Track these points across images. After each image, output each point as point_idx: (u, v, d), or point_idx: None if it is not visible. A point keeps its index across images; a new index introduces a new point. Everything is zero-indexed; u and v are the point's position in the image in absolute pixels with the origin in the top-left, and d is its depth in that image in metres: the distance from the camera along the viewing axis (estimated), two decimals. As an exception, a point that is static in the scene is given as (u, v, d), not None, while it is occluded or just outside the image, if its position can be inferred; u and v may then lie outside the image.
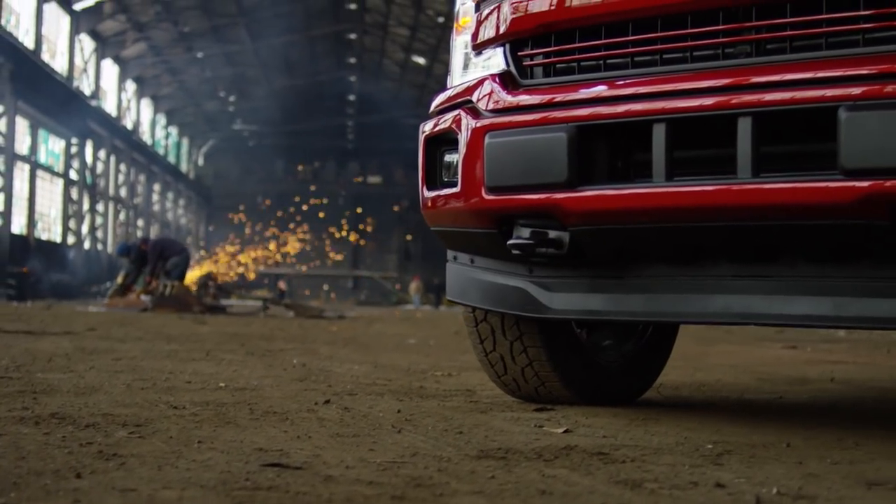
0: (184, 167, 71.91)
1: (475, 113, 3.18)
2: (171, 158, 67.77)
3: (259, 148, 73.91)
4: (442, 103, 3.45)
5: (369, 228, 74.09)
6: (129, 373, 4.86)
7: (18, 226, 40.89)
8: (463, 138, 3.17)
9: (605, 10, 2.94)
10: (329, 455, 2.52)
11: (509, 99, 3.10)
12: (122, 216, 55.97)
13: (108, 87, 52.57)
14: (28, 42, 40.13)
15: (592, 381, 3.88)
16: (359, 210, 74.35)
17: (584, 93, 2.96)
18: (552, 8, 3.05)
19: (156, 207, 64.07)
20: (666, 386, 4.96)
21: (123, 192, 56.11)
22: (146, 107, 60.19)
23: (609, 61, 2.98)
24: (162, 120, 64.33)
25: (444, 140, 3.30)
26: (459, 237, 3.40)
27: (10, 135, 37.66)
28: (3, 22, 37.50)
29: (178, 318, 15.48)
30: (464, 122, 3.19)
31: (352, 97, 69.87)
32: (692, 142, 2.83)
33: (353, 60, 63.22)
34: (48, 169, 45.17)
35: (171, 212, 68.04)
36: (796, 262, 2.77)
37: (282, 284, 60.59)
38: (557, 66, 3.09)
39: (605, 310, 3.13)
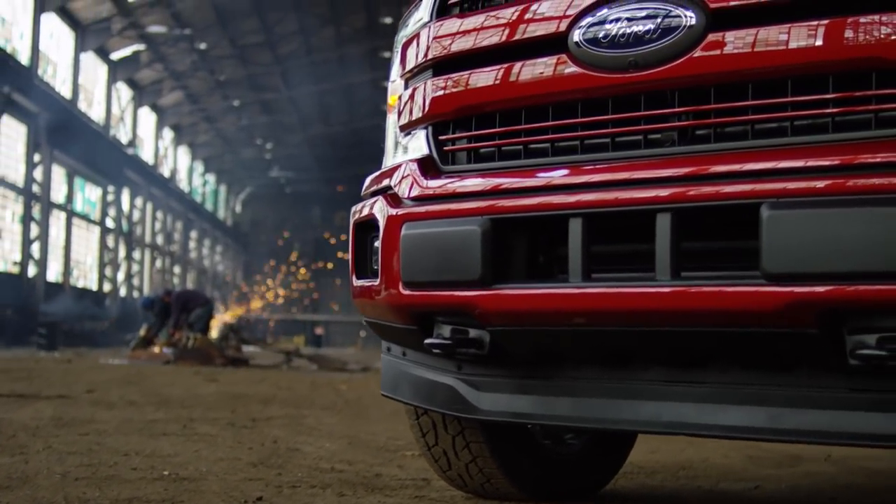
0: (221, 214, 72.32)
1: (395, 200, 2.98)
2: (209, 206, 68.19)
3: (296, 195, 74.18)
4: (369, 186, 3.25)
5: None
6: (82, 455, 4.66)
7: (55, 273, 41.09)
8: (381, 228, 2.96)
9: (524, 94, 2.73)
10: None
11: (426, 186, 2.89)
12: (158, 263, 56.21)
13: (146, 135, 53.02)
14: (65, 92, 40.51)
15: (545, 475, 3.64)
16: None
17: (500, 183, 2.75)
18: (471, 90, 2.84)
19: (192, 254, 64.34)
20: (644, 468, 4.70)
21: (160, 240, 56.43)
22: (183, 154, 60.66)
23: (529, 148, 2.76)
24: (199, 167, 64.80)
25: (370, 227, 3.09)
26: (387, 330, 3.19)
27: (45, 183, 38.01)
28: (41, 72, 37.84)
29: (194, 373, 15.34)
30: (383, 210, 2.98)
31: (389, 144, 69.92)
32: (612, 236, 2.61)
33: (389, 107, 63.31)
34: (84, 217, 45.53)
35: (208, 259, 68.33)
36: (728, 368, 2.53)
37: (319, 330, 60.62)
38: (477, 152, 2.88)
39: (533, 413, 2.90)
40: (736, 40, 2.39)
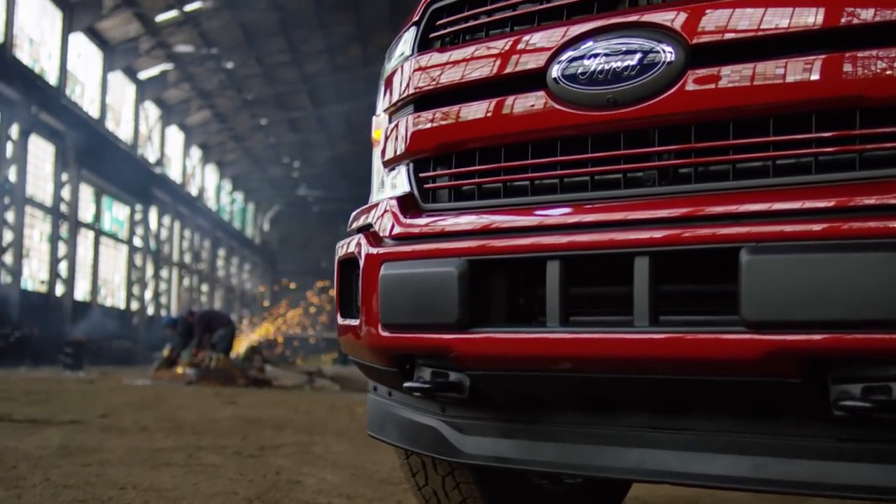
0: (249, 232, 72.52)
1: (375, 239, 2.91)
2: (237, 224, 68.40)
3: (324, 213, 74.31)
4: (353, 222, 3.18)
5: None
6: (78, 489, 4.61)
7: (82, 292, 41.28)
8: (362, 267, 2.89)
9: (502, 132, 2.65)
10: None
11: (406, 225, 2.82)
12: (186, 282, 56.38)
13: (173, 153, 53.25)
14: (93, 111, 40.74)
15: (539, 516, 3.55)
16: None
17: (477, 223, 2.67)
18: (451, 126, 2.77)
19: (220, 273, 64.53)
20: (647, 503, 4.61)
21: (187, 258, 56.60)
22: (211, 173, 60.91)
23: (509, 187, 2.68)
24: (227, 186, 65.04)
25: (353, 265, 3.02)
26: (370, 370, 3.11)
27: (73, 202, 38.20)
28: (69, 92, 38.09)
29: (215, 394, 15.30)
30: (363, 248, 2.91)
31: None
32: (591, 278, 2.54)
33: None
34: (112, 236, 45.72)
35: (236, 277, 68.52)
36: (713, 415, 2.44)
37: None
38: (457, 190, 2.80)
39: (516, 457, 2.81)
40: (716, 77, 2.31)
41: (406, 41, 3.01)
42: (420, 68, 2.87)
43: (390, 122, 3.04)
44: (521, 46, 2.63)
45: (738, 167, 2.32)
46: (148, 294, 49.61)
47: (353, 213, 3.23)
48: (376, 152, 3.19)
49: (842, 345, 2.08)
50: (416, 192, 2.88)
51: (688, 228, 2.28)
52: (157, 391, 15.71)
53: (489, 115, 2.68)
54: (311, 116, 57.13)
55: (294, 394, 17.24)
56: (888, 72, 2.13)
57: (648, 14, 2.41)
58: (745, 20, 2.28)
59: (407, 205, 2.87)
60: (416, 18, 2.98)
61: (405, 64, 2.95)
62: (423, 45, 2.93)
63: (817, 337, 2.09)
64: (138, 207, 47.81)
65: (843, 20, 2.18)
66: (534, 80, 2.58)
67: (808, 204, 2.17)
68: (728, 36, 2.30)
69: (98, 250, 43.78)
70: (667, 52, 2.35)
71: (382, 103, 3.14)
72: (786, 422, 2.33)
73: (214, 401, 13.36)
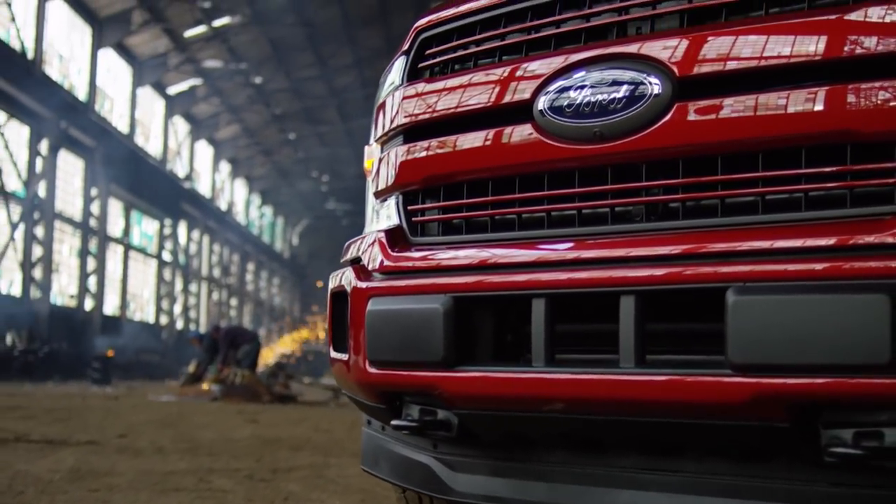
0: (278, 246, 72.74)
1: (364, 273, 2.85)
2: (266, 238, 68.63)
3: (353, 227, 74.39)
4: (344, 254, 3.13)
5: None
6: (80, 517, 4.57)
7: (111, 307, 41.47)
8: (350, 301, 2.83)
9: (490, 165, 2.59)
10: None
11: (394, 259, 2.76)
12: (215, 296, 56.57)
13: (203, 168, 53.48)
14: (122, 126, 40.96)
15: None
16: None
17: (463, 259, 2.61)
18: (438, 159, 2.71)
19: (249, 287, 64.71)
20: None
21: (217, 273, 56.79)
22: (240, 187, 61.15)
23: (496, 221, 2.62)
24: (256, 200, 65.29)
25: (343, 298, 2.97)
26: (362, 405, 3.06)
27: (102, 217, 38.38)
28: (98, 107, 38.32)
29: (237, 412, 15.28)
30: (351, 282, 2.85)
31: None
32: (578, 315, 2.47)
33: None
34: (141, 250, 45.93)
35: (265, 291, 68.69)
36: (703, 458, 2.37)
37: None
38: (444, 224, 2.75)
39: (508, 496, 2.74)
40: (704, 111, 2.24)
41: (396, 70, 2.96)
42: (409, 99, 2.82)
43: (381, 152, 2.99)
44: (507, 78, 2.57)
45: (726, 203, 2.25)
46: (177, 308, 49.80)
47: (346, 244, 3.17)
48: (369, 182, 3.14)
49: (831, 389, 2.01)
50: (404, 225, 2.83)
51: (673, 267, 2.22)
52: (180, 408, 15.71)
53: (476, 147, 2.62)
54: (340, 130, 57.25)
55: (317, 411, 17.19)
56: (879, 106, 2.06)
57: (635, 45, 2.35)
58: (733, 52, 2.22)
59: (396, 238, 2.81)
60: (405, 47, 2.93)
61: (395, 93, 2.90)
62: (412, 75, 2.87)
63: (806, 381, 2.03)
64: (167, 222, 48.01)
65: (833, 52, 2.12)
66: (520, 112, 2.52)
67: (797, 243, 2.10)
68: (715, 68, 2.24)
69: (127, 265, 43.99)
70: (653, 85, 2.29)
71: (374, 133, 3.09)
72: (777, 465, 2.26)
73: (236, 419, 13.33)
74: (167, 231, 48.20)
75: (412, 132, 2.82)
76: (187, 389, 20.81)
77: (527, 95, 2.50)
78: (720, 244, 2.18)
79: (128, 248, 44.11)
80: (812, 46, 2.14)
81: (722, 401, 2.12)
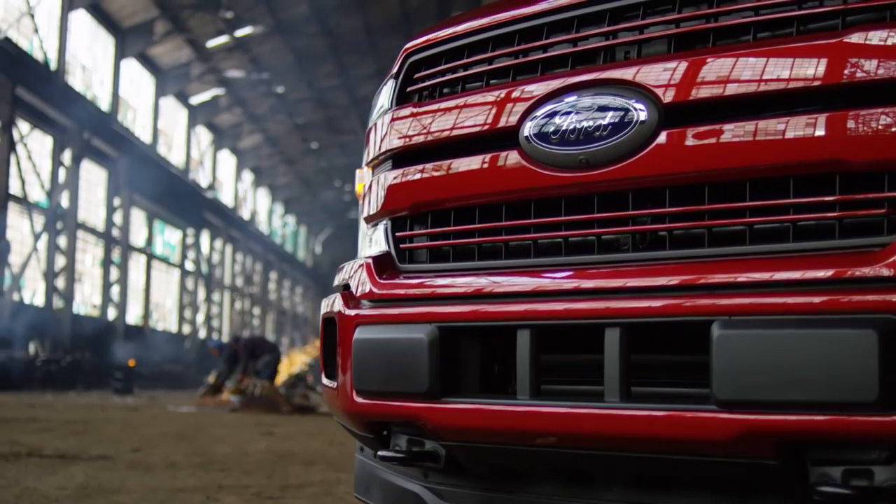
0: (301, 255, 72.82)
1: (352, 300, 2.80)
2: (288, 247, 68.76)
3: (375, 236, 74.39)
4: (336, 278, 3.08)
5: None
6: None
7: (134, 316, 41.60)
8: (338, 328, 2.79)
9: (476, 192, 2.54)
10: None
11: (381, 287, 2.71)
12: (238, 305, 56.68)
13: (225, 177, 53.61)
14: (145, 136, 41.12)
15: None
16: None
17: (449, 287, 2.56)
18: (426, 185, 2.66)
19: (272, 296, 64.81)
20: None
21: (239, 282, 56.90)
22: (263, 196, 61.30)
23: (483, 249, 2.57)
24: (279, 209, 65.41)
25: (332, 324, 2.92)
26: (354, 433, 3.01)
27: (125, 227, 38.51)
28: (121, 118, 38.47)
29: (255, 423, 15.25)
30: (340, 309, 2.81)
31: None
32: (564, 346, 2.42)
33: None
34: (164, 260, 46.08)
35: (288, 300, 68.78)
36: (690, 492, 2.31)
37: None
38: (431, 251, 2.70)
39: (498, 528, 2.69)
40: (691, 139, 2.19)
41: (385, 94, 2.92)
42: (397, 123, 2.78)
43: (372, 176, 2.94)
44: (494, 104, 2.52)
45: (713, 232, 2.19)
46: (200, 318, 49.93)
47: (339, 268, 3.13)
48: (360, 207, 3.09)
49: (819, 427, 1.95)
50: (393, 252, 2.78)
51: (658, 299, 2.16)
52: (198, 420, 15.71)
53: (463, 174, 2.57)
54: (362, 140, 57.01)
55: (334, 422, 17.08)
56: (871, 134, 2.00)
57: (620, 71, 2.30)
58: (720, 79, 2.16)
59: (384, 265, 2.77)
60: (394, 70, 2.89)
61: (384, 118, 2.86)
62: (400, 99, 2.83)
63: (793, 418, 1.97)
64: (190, 231, 48.16)
65: (823, 79, 2.06)
66: (506, 138, 2.47)
67: (783, 276, 2.04)
68: (702, 95, 2.18)
69: (150, 274, 44.14)
70: (639, 111, 2.24)
71: (366, 156, 3.05)
72: (765, 502, 2.20)
73: (253, 431, 13.30)
74: (190, 240, 48.35)
75: (400, 157, 2.78)
76: (207, 400, 20.83)
77: (513, 122, 2.45)
78: (706, 276, 2.13)
79: (151, 257, 44.27)
80: (801, 72, 2.08)
81: (708, 437, 2.07)
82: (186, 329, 48.21)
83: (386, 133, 2.81)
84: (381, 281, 2.71)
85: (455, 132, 2.61)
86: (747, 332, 2.01)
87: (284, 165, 60.25)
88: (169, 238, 47.40)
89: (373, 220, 2.90)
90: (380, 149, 2.85)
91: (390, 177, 2.78)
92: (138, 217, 42.37)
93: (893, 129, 1.97)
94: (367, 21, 43.69)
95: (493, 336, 2.48)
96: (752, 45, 2.16)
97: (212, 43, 42.01)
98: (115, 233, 38.52)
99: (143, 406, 20.67)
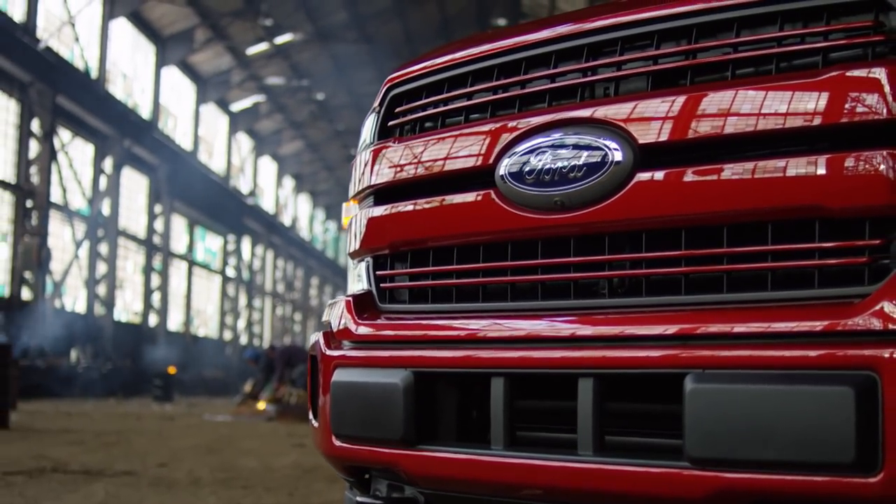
0: (342, 261, 72.85)
1: (333, 340, 2.74)
2: (330, 253, 68.90)
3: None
4: (325, 313, 3.02)
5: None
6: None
7: (176, 323, 41.81)
8: (320, 368, 2.73)
9: (451, 232, 2.47)
10: None
11: (360, 327, 2.64)
12: (279, 311, 56.84)
13: (266, 184, 53.78)
14: (186, 143, 41.34)
15: None
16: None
17: (424, 330, 2.48)
18: (404, 223, 2.59)
19: (314, 302, 64.94)
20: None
21: (280, 288, 57.04)
22: (304, 202, 61.47)
23: (460, 291, 2.49)
24: (320, 215, 65.51)
25: (315, 363, 2.85)
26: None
27: (166, 234, 38.73)
28: (161, 125, 38.70)
29: (288, 434, 15.23)
30: (321, 349, 2.74)
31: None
32: (540, 392, 2.34)
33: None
34: (205, 266, 46.28)
35: (329, 305, 68.82)
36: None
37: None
38: (411, 292, 2.62)
39: (479, 574, 2.61)
40: (667, 182, 2.10)
41: (368, 127, 2.85)
42: (377, 159, 2.71)
43: (357, 210, 2.87)
44: (471, 141, 2.44)
45: (689, 279, 2.11)
46: (241, 324, 50.12)
47: (329, 303, 3.07)
48: (346, 241, 3.03)
49: (794, 487, 1.87)
50: (374, 290, 2.71)
51: (632, 350, 2.08)
52: (231, 430, 15.72)
53: (441, 213, 2.50)
54: (403, 145, 57.28)
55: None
56: (852, 179, 1.90)
57: (595, 109, 2.22)
58: (697, 119, 2.08)
59: (365, 304, 2.69)
60: (376, 104, 2.81)
61: (365, 152, 2.79)
62: (382, 133, 2.76)
63: (767, 477, 1.88)
64: (231, 238, 48.37)
65: (804, 122, 1.96)
66: (482, 177, 2.40)
67: (759, 327, 1.95)
68: (677, 135, 2.09)
69: (191, 281, 44.36)
70: (614, 152, 2.16)
71: (350, 189, 2.97)
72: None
73: (283, 443, 13.27)
74: (231, 247, 48.55)
75: (380, 193, 2.71)
76: (243, 409, 20.88)
77: (489, 161, 2.37)
78: (680, 325, 2.04)
79: (192, 264, 44.50)
80: (781, 114, 1.99)
81: (680, 495, 1.99)
82: (227, 335, 48.41)
83: (366, 168, 2.74)
84: (361, 321, 2.64)
85: (432, 170, 2.53)
86: (720, 387, 1.93)
87: (325, 171, 60.42)
88: (210, 244, 47.63)
89: (356, 256, 2.83)
90: (360, 184, 2.78)
91: (371, 213, 2.71)
92: (179, 224, 42.60)
93: (874, 174, 1.88)
94: (406, 27, 43.73)
95: (469, 382, 2.40)
96: (729, 86, 2.07)
97: (252, 50, 42.17)
98: (156, 239, 38.75)
99: (180, 415, 20.72)
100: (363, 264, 2.78)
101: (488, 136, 2.40)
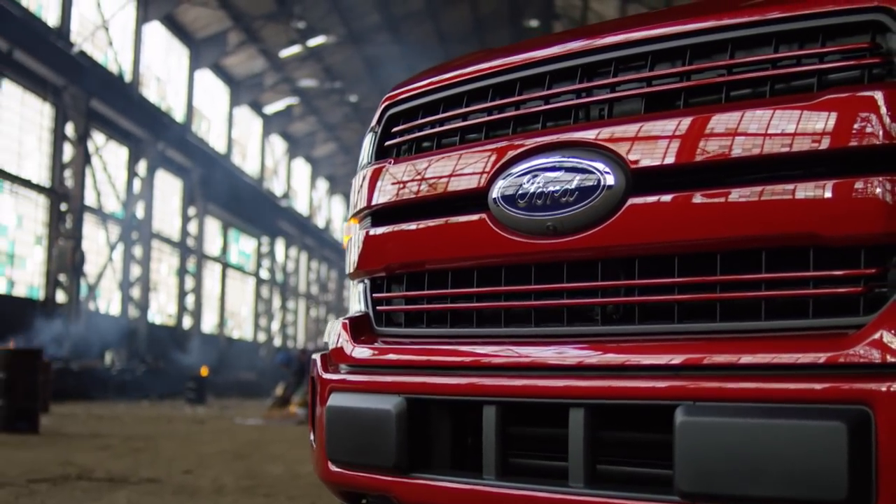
0: (376, 262, 72.98)
1: (330, 363, 2.70)
2: (364, 254, 68.76)
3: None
4: (325, 334, 2.98)
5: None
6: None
7: (209, 325, 41.96)
8: (318, 391, 2.69)
9: (444, 256, 2.43)
10: None
11: (356, 350, 2.60)
12: (313, 313, 56.93)
13: (300, 186, 53.88)
14: (219, 146, 41.48)
15: None
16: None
17: (417, 356, 2.44)
18: (399, 246, 2.56)
19: (348, 304, 64.93)
20: None
21: (314, 290, 57.12)
22: (338, 204, 61.52)
23: (454, 316, 2.45)
24: (354, 216, 65.43)
25: (314, 385, 2.82)
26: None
27: (200, 236, 38.87)
28: (195, 128, 38.85)
29: (317, 438, 15.20)
30: (318, 371, 2.71)
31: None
32: (532, 419, 2.29)
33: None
34: (239, 268, 46.40)
35: (363, 306, 68.90)
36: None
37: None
38: (406, 316, 2.58)
39: None
40: (660, 207, 2.05)
41: (366, 148, 2.81)
42: (374, 180, 2.67)
43: (356, 230, 2.84)
44: (464, 164, 2.40)
45: (682, 306, 2.06)
46: (275, 325, 50.25)
47: (329, 325, 3.03)
48: (347, 261, 2.99)
49: (787, 525, 1.80)
50: (371, 313, 2.67)
51: (623, 379, 2.03)
52: (260, 434, 15.72)
53: (434, 236, 2.46)
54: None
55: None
56: (848, 206, 1.85)
57: (588, 132, 2.17)
58: (690, 144, 2.03)
59: (361, 327, 2.66)
60: (373, 124, 2.77)
61: (362, 172, 2.75)
62: (379, 154, 2.72)
63: (760, 514, 1.82)
64: (265, 240, 48.51)
65: (801, 146, 1.91)
66: (475, 201, 2.36)
67: (752, 359, 1.90)
68: (670, 160, 2.05)
69: (225, 283, 44.51)
70: (606, 176, 2.11)
71: (350, 209, 2.94)
72: None
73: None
74: (265, 249, 48.69)
75: (376, 215, 2.68)
76: (274, 413, 20.90)
77: (482, 184, 2.33)
78: (671, 356, 1.99)
79: (225, 266, 44.65)
80: (776, 138, 1.93)
81: (671, 531, 1.93)
82: (262, 337, 48.54)
83: (363, 189, 2.71)
84: (357, 345, 2.61)
85: (426, 192, 2.50)
86: (711, 420, 1.88)
87: (359, 173, 60.51)
88: (244, 247, 47.78)
89: (354, 277, 2.80)
90: (358, 204, 2.74)
91: (367, 234, 2.68)
92: (213, 226, 42.75)
93: (870, 201, 1.82)
94: (439, 28, 43.72)
95: (462, 408, 2.36)
96: (722, 109, 2.02)
97: (285, 53, 42.26)
98: (190, 242, 38.91)
99: (211, 418, 20.76)
100: (361, 286, 2.74)
101: (481, 158, 2.36)
